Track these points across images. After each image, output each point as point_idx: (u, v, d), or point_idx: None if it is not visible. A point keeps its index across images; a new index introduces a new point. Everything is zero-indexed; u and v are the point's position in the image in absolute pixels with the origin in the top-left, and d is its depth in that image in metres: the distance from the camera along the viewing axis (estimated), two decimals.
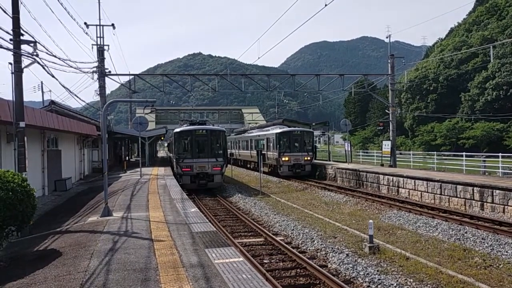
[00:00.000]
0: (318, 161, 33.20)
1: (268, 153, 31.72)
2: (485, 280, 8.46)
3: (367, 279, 8.60)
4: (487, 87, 58.23)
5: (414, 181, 19.82)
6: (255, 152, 32.62)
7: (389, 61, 30.07)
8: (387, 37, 33.40)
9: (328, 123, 42.36)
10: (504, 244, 11.03)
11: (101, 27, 30.14)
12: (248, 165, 41.02)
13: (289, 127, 34.19)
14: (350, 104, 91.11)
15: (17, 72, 12.51)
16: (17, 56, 12.49)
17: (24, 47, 12.88)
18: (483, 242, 11.31)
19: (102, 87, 27.25)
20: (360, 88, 40.76)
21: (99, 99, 27.82)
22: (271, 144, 30.93)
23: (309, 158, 29.89)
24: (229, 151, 47.83)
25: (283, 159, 29.36)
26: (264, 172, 31.01)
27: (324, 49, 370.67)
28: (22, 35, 12.67)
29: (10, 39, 12.47)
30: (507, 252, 10.39)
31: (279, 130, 30.80)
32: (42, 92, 40.34)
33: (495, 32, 62.84)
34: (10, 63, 12.90)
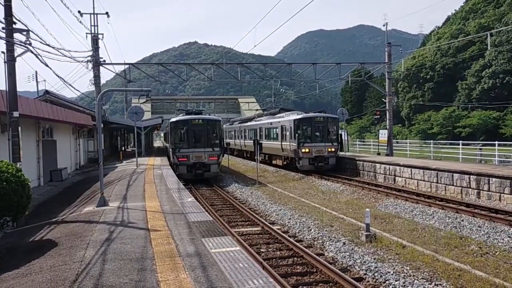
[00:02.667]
0: None
1: (283, 143, 27.55)
2: (482, 267, 8.49)
3: (363, 267, 8.62)
4: (483, 76, 58.22)
5: (411, 170, 19.85)
6: (268, 142, 30.52)
7: (386, 49, 29.96)
8: (384, 26, 33.25)
9: (325, 112, 40.74)
10: (501, 231, 11.08)
11: (95, 15, 29.77)
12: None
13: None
14: (347, 93, 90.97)
15: (10, 61, 12.36)
16: (10, 45, 12.33)
17: (17, 35, 12.72)
18: (480, 230, 11.35)
19: (97, 76, 27.02)
20: (357, 77, 40.63)
21: (94, 88, 27.59)
22: (287, 133, 26.65)
23: (333, 149, 25.79)
24: (231, 141, 45.23)
25: (303, 150, 25.15)
26: (277, 166, 29.59)
27: (321, 38, 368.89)
28: (15, 23, 12.49)
29: (2, 28, 12.29)
30: (503, 239, 10.43)
31: (297, 116, 26.53)
32: (37, 81, 39.87)
33: (492, 20, 62.67)
34: (3, 52, 12.74)
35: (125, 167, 24.35)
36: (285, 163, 28.46)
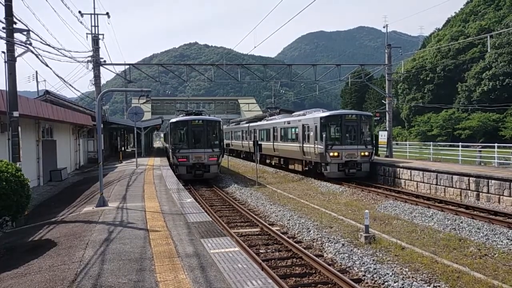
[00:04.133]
0: None
1: (305, 145, 23.95)
2: (480, 269, 8.49)
3: (362, 269, 8.62)
4: (483, 78, 58.23)
5: (410, 171, 19.86)
6: (285, 144, 27.30)
7: (386, 51, 29.95)
8: (384, 27, 33.22)
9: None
10: (499, 233, 11.08)
11: (96, 16, 29.78)
12: (269, 160, 32.60)
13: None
14: (346, 95, 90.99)
15: (10, 61, 12.37)
16: (10, 44, 12.34)
17: (17, 35, 12.73)
18: (479, 232, 11.35)
19: (97, 76, 27.01)
20: (356, 78, 40.64)
21: (94, 89, 27.59)
22: (311, 134, 23.04)
23: (367, 153, 22.04)
24: (237, 142, 43.07)
25: (331, 154, 21.45)
26: (296, 172, 26.45)
27: (321, 39, 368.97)
28: (15, 23, 12.50)
29: (3, 28, 12.30)
30: (502, 241, 10.43)
31: (324, 114, 22.91)
32: (37, 81, 39.92)
33: (492, 22, 62.73)
34: (3, 52, 12.75)
35: (125, 168, 24.35)
36: (306, 168, 24.78)
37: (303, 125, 24.37)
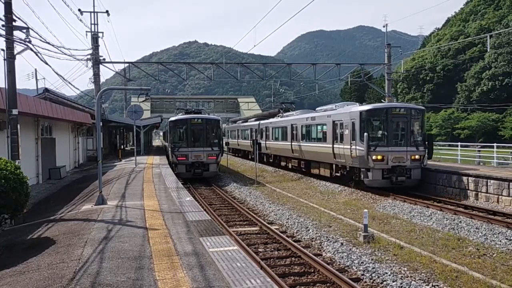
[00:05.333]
0: None
1: (336, 146, 19.96)
2: (479, 269, 8.50)
3: (361, 268, 8.63)
4: (483, 77, 58.29)
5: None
6: (308, 144, 23.55)
7: (385, 50, 29.96)
8: (384, 27, 33.26)
9: None
10: (498, 233, 11.09)
11: (95, 14, 29.77)
12: (285, 163, 28.41)
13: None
14: (346, 94, 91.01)
15: (10, 58, 12.38)
16: (10, 42, 12.34)
17: (17, 33, 12.75)
18: (477, 232, 11.37)
19: (96, 75, 26.99)
20: (356, 78, 40.67)
21: (93, 87, 27.57)
22: (346, 132, 19.06)
23: (418, 156, 18.04)
24: (244, 142, 39.36)
25: (374, 157, 17.50)
26: (323, 178, 22.40)
27: (320, 38, 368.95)
28: (15, 21, 12.50)
29: (2, 25, 12.30)
30: (500, 241, 10.44)
31: (365, 107, 18.80)
32: (36, 79, 39.90)
33: (492, 22, 62.75)
34: (3, 50, 12.75)
35: (124, 166, 24.34)
36: (337, 174, 20.75)
37: (334, 121, 20.29)
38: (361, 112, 18.26)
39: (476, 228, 11.75)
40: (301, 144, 24.66)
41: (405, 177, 17.80)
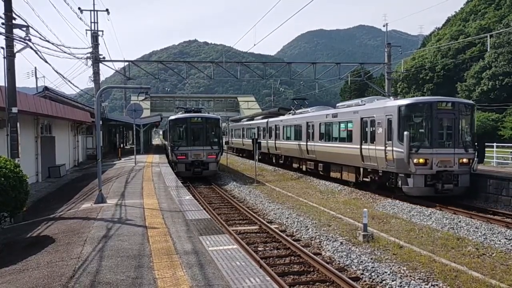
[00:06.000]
0: None
1: (366, 147, 17.58)
2: (478, 268, 8.51)
3: (360, 267, 8.63)
4: (483, 77, 58.25)
5: None
6: (329, 145, 21.19)
7: (385, 50, 29.96)
8: (384, 26, 33.25)
9: None
10: (497, 233, 11.09)
11: (95, 12, 29.79)
12: (298, 165, 26.19)
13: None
14: (346, 93, 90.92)
15: (9, 56, 12.36)
16: (9, 40, 12.33)
17: (17, 31, 12.72)
18: (477, 231, 11.37)
19: (96, 73, 26.99)
20: (356, 77, 40.65)
21: (93, 85, 27.57)
22: (379, 130, 16.68)
23: (466, 159, 15.60)
24: (249, 142, 34.39)
25: (416, 161, 15.09)
26: (345, 183, 20.07)
27: (320, 38, 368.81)
28: (14, 19, 12.48)
29: (2, 23, 12.29)
30: (500, 241, 10.45)
31: (405, 101, 16.41)
32: (36, 78, 39.86)
33: (492, 21, 62.73)
34: (2, 48, 12.75)
35: (124, 165, 24.34)
36: (366, 179, 18.25)
37: (362, 118, 17.98)
38: (400, 107, 15.71)
39: (476, 227, 11.75)
40: (319, 144, 22.30)
41: (453, 183, 15.21)
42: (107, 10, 31.16)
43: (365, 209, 10.92)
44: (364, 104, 18.87)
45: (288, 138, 27.40)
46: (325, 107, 25.66)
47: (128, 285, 5.33)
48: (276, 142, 29.71)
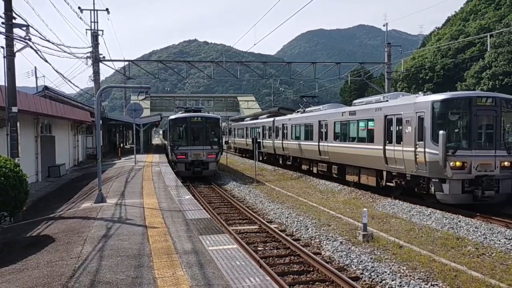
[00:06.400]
0: None
1: (391, 148, 15.76)
2: (478, 268, 8.51)
3: (360, 267, 8.63)
4: (483, 77, 58.25)
5: None
6: (344, 145, 19.53)
7: (385, 49, 29.98)
8: (384, 26, 33.25)
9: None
10: (497, 233, 11.09)
11: (95, 11, 29.80)
12: (309, 167, 24.63)
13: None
14: (346, 93, 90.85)
15: (9, 56, 12.36)
16: (9, 40, 12.32)
17: (17, 30, 12.71)
18: (476, 231, 11.37)
19: (96, 73, 27.01)
20: (356, 77, 40.64)
21: (93, 85, 27.58)
22: (407, 129, 14.84)
23: (509, 163, 13.90)
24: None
25: (452, 164, 13.33)
26: (363, 187, 18.54)
27: (320, 37, 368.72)
28: (14, 18, 12.48)
29: (2, 23, 12.29)
30: (499, 241, 10.45)
31: (440, 96, 14.25)
32: (36, 77, 39.94)
33: (492, 21, 62.75)
34: (2, 47, 12.77)
35: (124, 164, 24.35)
36: (390, 183, 16.40)
37: (386, 116, 16.19)
38: (433, 103, 13.90)
39: (475, 227, 11.75)
40: (333, 144, 20.51)
41: (495, 190, 13.45)
42: (107, 9, 31.18)
43: (364, 209, 10.92)
44: (387, 101, 17.13)
45: (297, 138, 25.82)
46: (338, 105, 24.43)
47: (128, 285, 5.33)
48: (284, 142, 28.17)
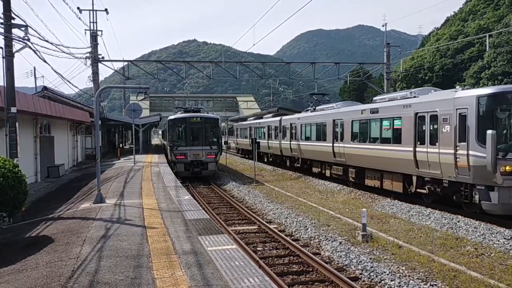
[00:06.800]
0: None
1: (421, 150, 14.17)
2: (477, 268, 8.51)
3: (359, 267, 8.63)
4: (482, 77, 58.35)
5: None
6: (362, 147, 17.82)
7: (385, 50, 30.01)
8: (383, 26, 33.26)
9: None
10: (496, 233, 11.09)
11: (94, 12, 29.79)
12: (320, 169, 22.99)
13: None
14: (345, 93, 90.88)
15: (8, 56, 12.36)
16: (8, 40, 12.33)
17: (15, 31, 12.71)
18: (475, 231, 11.37)
19: (95, 73, 27.03)
20: (355, 77, 40.66)
21: (92, 85, 27.58)
22: (447, 128, 13.11)
23: None
24: (265, 142, 31.63)
25: (503, 169, 11.60)
26: (384, 192, 16.96)
27: (320, 37, 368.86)
28: (13, 18, 12.48)
29: (1, 23, 12.28)
30: (498, 241, 10.45)
31: (486, 90, 12.57)
32: (35, 77, 39.82)
33: (491, 21, 62.83)
34: (1, 47, 12.74)
35: (123, 164, 24.33)
36: (422, 190, 14.61)
37: (417, 114, 14.52)
38: (479, 98, 12.09)
39: (475, 227, 11.75)
40: (351, 146, 18.81)
41: None
42: (106, 10, 31.20)
43: (364, 209, 10.92)
44: (416, 96, 15.29)
45: (307, 139, 24.20)
46: (353, 103, 23.05)
47: (127, 285, 5.33)
48: (292, 143, 26.45)
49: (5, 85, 12.38)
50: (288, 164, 28.13)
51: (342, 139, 19.72)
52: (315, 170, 23.81)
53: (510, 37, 55.16)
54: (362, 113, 18.29)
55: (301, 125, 25.27)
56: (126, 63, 30.97)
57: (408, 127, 14.87)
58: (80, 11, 28.56)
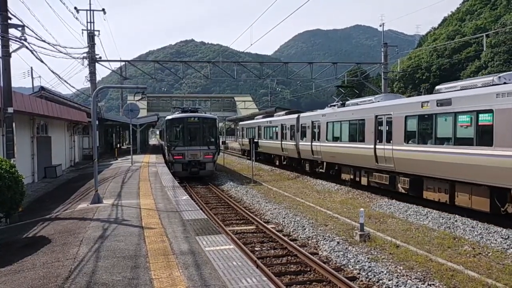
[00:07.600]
0: None
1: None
2: (474, 267, 8.52)
3: (357, 267, 8.64)
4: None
5: None
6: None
7: (382, 49, 30.05)
8: (380, 26, 33.31)
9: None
10: (494, 232, 11.11)
11: (92, 12, 29.74)
12: (351, 175, 19.50)
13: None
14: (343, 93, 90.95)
15: (5, 56, 12.33)
16: (5, 40, 12.29)
17: (12, 31, 12.68)
18: (473, 231, 11.39)
19: (92, 73, 26.95)
20: (353, 77, 40.71)
21: (89, 85, 27.51)
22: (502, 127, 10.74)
23: None
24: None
25: None
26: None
27: (317, 37, 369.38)
28: (10, 18, 12.45)
29: None
30: (496, 240, 10.47)
31: None
32: (32, 78, 39.82)
33: (488, 21, 63.02)
34: None
35: (120, 165, 24.29)
36: (496, 211, 11.63)
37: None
38: None
39: (472, 227, 11.77)
40: (404, 148, 15.06)
41: None
42: (103, 10, 31.12)
43: (361, 209, 10.92)
44: (502, 84, 11.51)
45: (336, 139, 20.50)
46: (396, 95, 20.06)
47: (124, 286, 5.31)
48: (314, 144, 22.68)
49: (2, 85, 12.35)
50: (307, 168, 24.55)
51: (389, 140, 16.03)
52: (345, 176, 20.22)
53: (507, 37, 55.34)
54: (422, 106, 14.30)
55: (327, 123, 21.35)
56: (124, 63, 30.91)
57: (502, 124, 10.88)
58: (77, 11, 28.50)
